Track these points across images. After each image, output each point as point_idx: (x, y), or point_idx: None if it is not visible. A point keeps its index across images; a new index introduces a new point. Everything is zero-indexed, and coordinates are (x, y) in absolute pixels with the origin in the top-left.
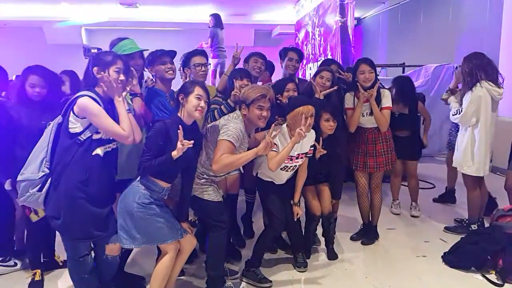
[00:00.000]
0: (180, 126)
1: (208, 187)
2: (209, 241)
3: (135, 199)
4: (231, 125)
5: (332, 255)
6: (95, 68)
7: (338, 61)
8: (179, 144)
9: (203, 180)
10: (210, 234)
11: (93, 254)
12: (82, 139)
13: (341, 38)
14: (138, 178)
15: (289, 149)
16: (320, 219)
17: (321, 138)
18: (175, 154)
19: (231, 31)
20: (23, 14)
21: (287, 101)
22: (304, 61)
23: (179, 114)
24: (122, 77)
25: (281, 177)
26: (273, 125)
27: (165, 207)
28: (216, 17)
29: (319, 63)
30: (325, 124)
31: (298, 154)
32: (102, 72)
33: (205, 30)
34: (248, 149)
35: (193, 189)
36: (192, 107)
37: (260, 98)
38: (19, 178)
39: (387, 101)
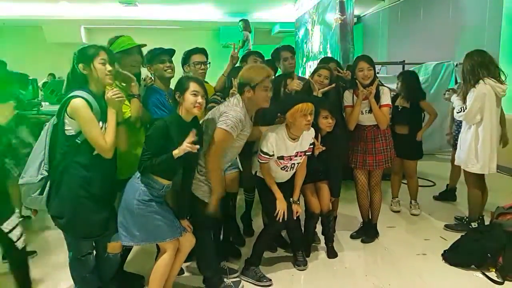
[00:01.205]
0: (193, 129)
1: (204, 185)
2: (196, 241)
3: (135, 196)
4: (231, 113)
5: (331, 254)
6: (80, 65)
7: (338, 59)
8: (184, 145)
9: (202, 177)
10: (196, 233)
11: (94, 253)
12: (80, 141)
13: (341, 36)
14: (138, 175)
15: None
16: (320, 217)
17: (319, 135)
18: (176, 153)
19: (231, 29)
20: (23, 12)
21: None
22: (304, 59)
23: (178, 112)
24: (109, 67)
25: (281, 176)
26: (277, 120)
27: (165, 204)
28: (246, 22)
29: (318, 61)
30: (323, 121)
31: (297, 152)
32: (86, 69)
33: (205, 28)
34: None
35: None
36: (190, 104)
37: (266, 80)
38: (20, 181)
39: (386, 98)
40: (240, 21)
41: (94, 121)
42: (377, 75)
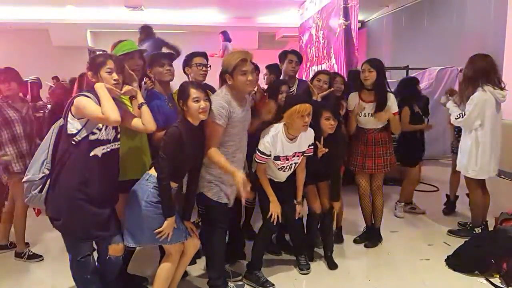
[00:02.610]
0: None
1: (214, 186)
2: (208, 241)
3: (144, 198)
4: (212, 104)
5: (331, 264)
6: (89, 73)
7: (342, 64)
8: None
9: (212, 177)
10: (209, 233)
11: (95, 254)
12: (77, 140)
13: (345, 41)
14: (147, 177)
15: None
16: (319, 221)
17: (322, 137)
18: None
19: (235, 34)
20: (29, 16)
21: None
22: (308, 64)
23: (187, 117)
24: (115, 76)
25: (280, 176)
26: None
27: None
28: (225, 34)
29: (323, 66)
30: (325, 122)
31: (295, 153)
32: (94, 77)
33: (209, 32)
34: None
35: (203, 185)
36: (194, 111)
37: (241, 63)
38: (24, 179)
39: (395, 107)
40: (219, 33)
41: (91, 102)
42: None
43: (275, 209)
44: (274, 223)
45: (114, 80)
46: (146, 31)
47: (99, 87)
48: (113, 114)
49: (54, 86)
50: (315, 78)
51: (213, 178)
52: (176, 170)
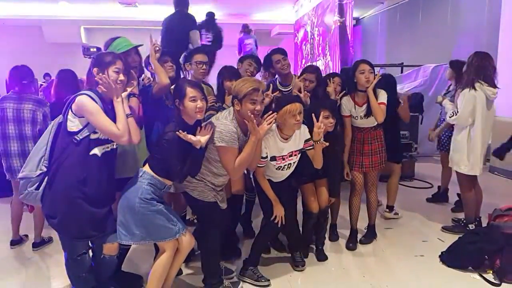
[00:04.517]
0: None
1: (201, 186)
2: (202, 239)
3: (138, 194)
4: (222, 128)
5: (321, 256)
6: (95, 69)
7: (337, 61)
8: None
9: (196, 181)
10: (203, 231)
11: (91, 253)
12: (78, 139)
13: (339, 38)
14: (141, 173)
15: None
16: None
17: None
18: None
19: (230, 30)
20: (22, 12)
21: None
22: (303, 61)
23: (183, 117)
24: (121, 77)
25: (279, 176)
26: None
27: (166, 204)
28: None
29: (318, 62)
30: (325, 121)
31: (292, 152)
32: (100, 74)
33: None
34: None
35: (186, 185)
36: (190, 110)
37: (252, 92)
38: (20, 175)
39: (383, 98)
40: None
41: (100, 111)
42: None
43: (278, 211)
44: (279, 225)
45: (120, 80)
46: (245, 29)
47: (119, 103)
48: (127, 134)
49: (45, 84)
50: (300, 78)
51: (196, 181)
52: (170, 169)
